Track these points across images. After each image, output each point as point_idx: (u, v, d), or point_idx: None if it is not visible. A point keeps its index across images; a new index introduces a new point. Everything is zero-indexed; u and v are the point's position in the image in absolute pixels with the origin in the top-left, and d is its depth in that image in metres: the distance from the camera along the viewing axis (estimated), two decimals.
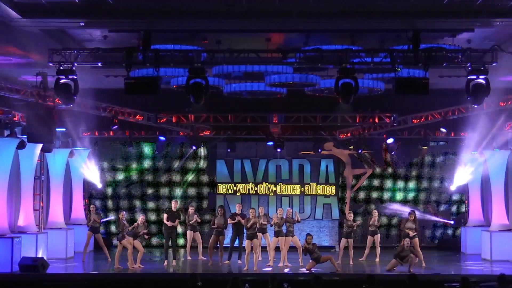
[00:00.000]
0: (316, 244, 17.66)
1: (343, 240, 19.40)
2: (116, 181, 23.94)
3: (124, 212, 18.49)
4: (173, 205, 19.08)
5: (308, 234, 17.76)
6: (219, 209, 19.26)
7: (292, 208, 20.92)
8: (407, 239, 17.78)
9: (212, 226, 18.96)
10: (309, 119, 21.67)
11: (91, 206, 20.68)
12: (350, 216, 19.46)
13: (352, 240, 19.32)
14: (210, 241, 18.97)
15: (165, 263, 18.66)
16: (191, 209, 19.67)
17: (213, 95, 15.82)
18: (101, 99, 20.12)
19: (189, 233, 19.75)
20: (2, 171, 17.67)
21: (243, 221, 18.35)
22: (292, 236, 18.56)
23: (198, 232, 19.77)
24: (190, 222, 19.50)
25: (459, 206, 23.79)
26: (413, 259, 17.34)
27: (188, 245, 19.84)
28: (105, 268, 18.59)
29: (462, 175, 22.47)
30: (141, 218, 18.25)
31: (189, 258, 19.72)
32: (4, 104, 18.11)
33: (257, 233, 18.12)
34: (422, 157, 23.65)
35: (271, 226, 18.46)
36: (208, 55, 14.77)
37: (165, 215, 18.90)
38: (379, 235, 19.85)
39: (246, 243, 17.90)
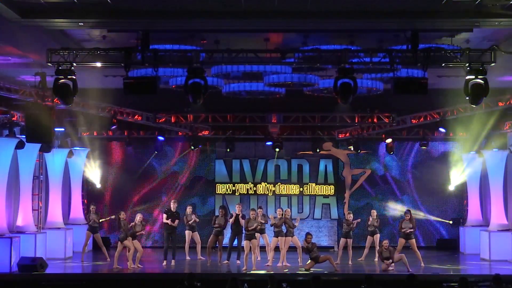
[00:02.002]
0: (315, 244, 17.70)
1: (342, 240, 19.40)
2: (114, 181, 23.92)
3: (123, 212, 18.53)
4: (172, 205, 19.10)
5: (308, 233, 17.80)
6: (220, 210, 19.24)
7: (291, 209, 20.97)
8: (386, 240, 17.87)
9: (213, 225, 18.93)
10: (308, 119, 21.67)
11: (91, 206, 20.66)
12: (350, 216, 19.46)
13: (351, 240, 19.33)
14: (209, 241, 18.98)
15: (164, 263, 18.67)
16: (189, 209, 19.67)
17: (212, 95, 15.80)
18: (100, 99, 20.10)
19: (187, 233, 19.72)
20: (1, 171, 17.66)
21: (242, 221, 18.33)
22: (291, 236, 18.57)
23: (196, 232, 19.76)
24: (189, 222, 19.50)
25: (457, 206, 23.79)
26: (400, 258, 17.32)
27: (187, 245, 19.80)
28: (104, 268, 18.58)
29: (461, 175, 22.49)
30: (138, 217, 18.25)
31: (187, 258, 19.70)
32: (3, 104, 18.11)
33: (256, 233, 18.13)
34: (420, 156, 23.69)
35: (271, 225, 18.46)
36: (206, 55, 14.76)
37: (164, 215, 18.95)
38: (378, 235, 19.86)
39: (245, 243, 17.85)
